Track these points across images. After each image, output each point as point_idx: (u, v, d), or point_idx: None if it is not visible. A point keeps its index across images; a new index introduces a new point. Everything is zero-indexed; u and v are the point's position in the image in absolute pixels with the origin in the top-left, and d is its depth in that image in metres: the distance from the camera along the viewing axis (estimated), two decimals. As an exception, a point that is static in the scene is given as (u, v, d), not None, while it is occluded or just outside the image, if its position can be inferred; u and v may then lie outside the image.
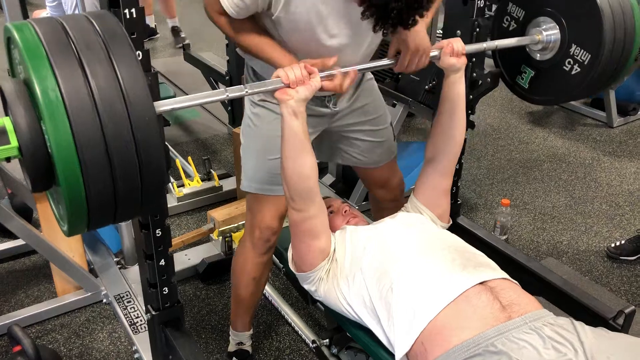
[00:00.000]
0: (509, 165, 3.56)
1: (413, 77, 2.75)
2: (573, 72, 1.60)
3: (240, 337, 2.02)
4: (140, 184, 0.99)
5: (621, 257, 2.67)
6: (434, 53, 1.55)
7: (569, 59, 1.61)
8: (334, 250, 1.54)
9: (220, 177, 3.06)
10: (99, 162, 0.93)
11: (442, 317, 1.30)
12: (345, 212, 1.74)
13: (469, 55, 1.81)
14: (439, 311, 1.30)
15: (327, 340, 1.76)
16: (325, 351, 1.80)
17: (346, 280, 1.48)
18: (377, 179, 1.97)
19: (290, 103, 1.34)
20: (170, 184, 2.95)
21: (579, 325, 1.26)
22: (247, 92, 1.30)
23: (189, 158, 3.16)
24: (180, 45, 5.44)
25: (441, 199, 1.69)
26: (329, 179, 3.14)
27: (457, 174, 2.07)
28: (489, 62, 1.95)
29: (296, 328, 2.16)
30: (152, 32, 5.57)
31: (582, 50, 1.58)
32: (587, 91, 1.74)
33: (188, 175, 3.06)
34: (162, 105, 1.14)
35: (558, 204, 3.16)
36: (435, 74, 2.61)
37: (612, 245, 2.70)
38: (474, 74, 1.86)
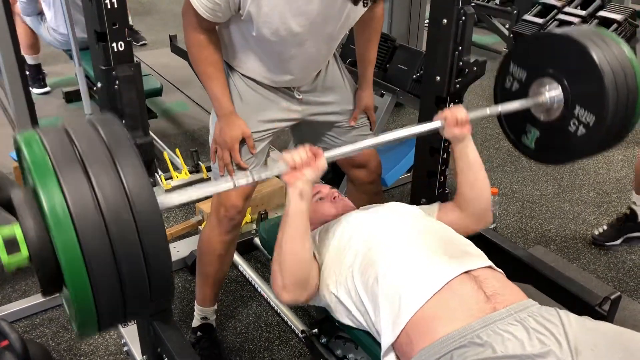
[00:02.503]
0: (497, 154, 3.57)
1: (401, 66, 2.74)
2: (579, 134, 1.59)
3: (205, 312, 2.06)
4: (148, 287, 1.00)
5: (607, 244, 2.69)
6: (437, 124, 1.56)
7: (574, 120, 1.58)
8: (321, 263, 1.52)
9: (209, 169, 3.04)
10: (107, 270, 0.94)
11: (428, 308, 1.30)
12: (334, 198, 1.75)
13: (455, 42, 1.81)
14: (425, 302, 1.30)
15: (316, 330, 1.75)
16: (315, 341, 1.80)
17: (332, 274, 1.48)
18: (355, 160, 2.01)
19: (298, 184, 1.34)
20: (158, 176, 2.93)
21: (564, 315, 1.27)
22: (253, 177, 1.28)
23: (177, 150, 3.15)
24: (141, 43, 5.41)
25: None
26: (318, 169, 3.13)
27: (445, 162, 2.07)
28: (475, 50, 1.95)
29: (285, 319, 2.16)
30: (140, 38, 5.50)
31: (586, 112, 1.56)
32: (596, 151, 1.71)
33: (176, 168, 3.05)
34: (168, 203, 1.14)
35: (546, 192, 3.18)
36: (422, 63, 2.60)
37: (596, 232, 2.73)
38: (461, 63, 1.86)
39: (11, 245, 0.94)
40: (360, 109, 1.95)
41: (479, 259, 1.43)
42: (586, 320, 1.28)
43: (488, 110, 1.64)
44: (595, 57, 1.50)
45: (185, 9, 1.57)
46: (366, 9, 1.64)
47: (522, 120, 1.73)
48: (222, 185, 1.25)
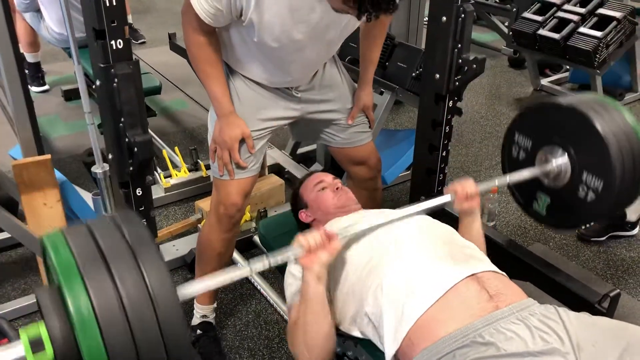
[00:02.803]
0: (496, 151, 3.56)
1: (400, 64, 2.73)
2: (589, 199, 1.58)
3: (204, 310, 2.06)
4: None
5: (592, 239, 2.71)
6: (446, 199, 1.56)
7: (583, 186, 1.58)
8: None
9: (208, 168, 3.04)
10: None
11: (430, 312, 1.30)
12: (337, 189, 1.74)
13: (454, 40, 1.81)
14: (428, 307, 1.30)
15: (316, 328, 1.75)
16: (314, 339, 1.80)
17: (336, 282, 1.47)
18: (355, 157, 2.01)
19: (314, 268, 1.34)
20: (157, 174, 2.93)
21: (563, 312, 1.27)
22: (269, 262, 1.28)
23: (176, 148, 3.15)
24: (140, 41, 5.40)
25: None
26: (317, 167, 3.13)
27: (444, 160, 2.07)
28: (475, 48, 1.95)
29: (285, 316, 2.16)
30: (139, 37, 5.48)
31: (594, 177, 1.55)
32: (606, 215, 1.74)
33: (175, 166, 3.05)
34: (187, 294, 1.16)
35: (545, 190, 3.17)
36: (421, 61, 2.60)
37: (582, 227, 2.74)
38: (460, 60, 1.86)
39: (36, 344, 0.96)
40: (358, 107, 1.95)
41: (483, 263, 1.43)
42: (585, 317, 1.28)
43: (497, 182, 1.65)
44: (598, 125, 1.51)
45: (185, 9, 1.57)
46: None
47: (532, 187, 1.72)
48: (239, 273, 1.24)
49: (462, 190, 1.55)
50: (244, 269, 1.23)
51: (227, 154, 1.73)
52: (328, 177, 1.80)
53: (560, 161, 1.62)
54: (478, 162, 3.43)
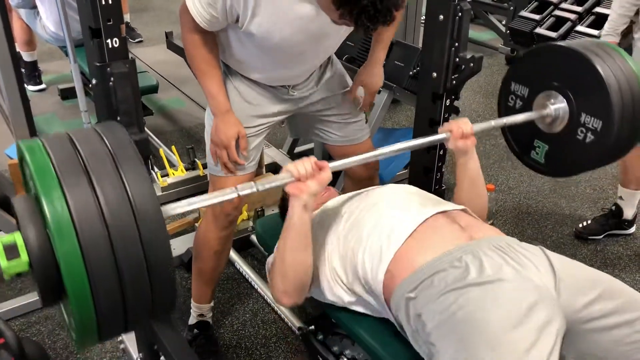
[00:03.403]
0: (494, 150, 3.57)
1: (397, 63, 2.73)
2: (587, 141, 1.58)
3: (201, 309, 2.06)
4: (150, 298, 1.00)
5: (589, 237, 2.72)
6: (442, 136, 1.58)
7: (582, 128, 1.58)
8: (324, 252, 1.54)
9: (205, 166, 3.03)
10: (108, 277, 0.93)
11: (406, 245, 1.37)
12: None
13: (451, 39, 1.81)
14: (403, 241, 1.37)
15: (313, 326, 1.75)
16: (312, 338, 1.80)
17: (320, 253, 1.51)
18: (352, 155, 1.98)
19: (302, 197, 1.35)
20: (154, 173, 2.93)
21: (549, 251, 1.35)
22: (257, 189, 1.27)
23: (173, 147, 3.14)
24: (137, 40, 5.39)
25: None
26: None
27: (442, 159, 2.07)
28: (472, 47, 1.95)
29: (282, 316, 2.16)
30: (136, 35, 5.47)
31: (593, 118, 1.55)
32: (605, 159, 1.70)
33: (172, 165, 3.04)
34: (169, 211, 1.13)
35: (543, 189, 3.18)
36: (418, 59, 2.60)
37: (580, 225, 2.75)
38: (457, 59, 1.85)
39: (11, 250, 0.94)
40: (357, 83, 1.91)
41: (455, 206, 1.52)
42: (570, 259, 1.37)
43: (493, 123, 1.66)
44: (598, 66, 1.50)
45: (182, 10, 1.56)
46: None
47: (530, 135, 1.73)
48: (227, 195, 1.24)
49: (457, 129, 1.57)
50: (232, 192, 1.24)
51: (224, 153, 1.73)
52: None
53: (558, 105, 1.62)
54: (475, 160, 3.43)
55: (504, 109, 1.76)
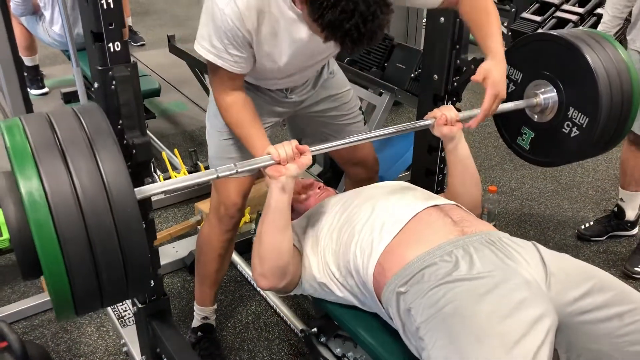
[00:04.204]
0: (496, 152, 3.57)
1: (399, 65, 2.73)
2: (572, 135, 1.59)
3: (205, 312, 2.06)
4: (124, 273, 1.03)
5: (592, 239, 2.72)
6: (426, 122, 1.59)
7: (568, 122, 1.60)
8: (303, 248, 1.56)
9: (207, 169, 3.04)
10: (82, 256, 0.97)
11: (397, 238, 1.37)
12: (319, 188, 1.82)
13: (452, 41, 1.81)
14: (394, 235, 1.37)
15: (316, 329, 1.75)
16: (314, 340, 1.80)
17: (313, 247, 1.53)
18: (352, 157, 2.01)
19: (281, 179, 1.36)
20: (156, 176, 2.93)
21: (541, 246, 1.35)
22: (237, 170, 1.30)
23: (176, 150, 3.15)
24: (139, 43, 5.40)
25: None
26: (317, 168, 3.13)
27: (444, 161, 2.07)
28: (473, 49, 1.95)
29: (285, 318, 2.16)
30: (138, 39, 5.49)
31: (580, 114, 1.56)
32: (587, 154, 1.74)
33: (174, 168, 3.05)
34: (145, 191, 1.15)
35: (545, 190, 3.17)
36: (420, 62, 2.60)
37: (582, 227, 2.75)
38: (458, 61, 1.86)
39: None
40: (480, 74, 1.57)
41: (447, 200, 1.52)
42: (562, 254, 1.36)
43: (478, 110, 1.65)
44: (589, 59, 1.50)
45: (210, 73, 1.56)
46: None
47: (518, 121, 1.74)
48: (204, 177, 1.27)
49: (441, 115, 1.58)
50: (212, 174, 1.27)
51: (289, 147, 1.43)
52: (309, 182, 1.86)
53: (548, 94, 1.63)
54: (478, 162, 3.41)
55: None
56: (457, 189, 1.65)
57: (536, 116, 1.69)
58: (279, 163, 1.36)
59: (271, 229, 1.41)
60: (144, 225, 1.35)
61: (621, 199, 2.66)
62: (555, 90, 1.61)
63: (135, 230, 1.00)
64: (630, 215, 2.68)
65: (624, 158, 2.56)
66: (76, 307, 1.02)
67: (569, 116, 1.59)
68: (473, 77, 1.57)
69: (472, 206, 1.63)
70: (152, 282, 1.63)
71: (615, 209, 2.71)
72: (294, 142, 1.38)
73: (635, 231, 2.74)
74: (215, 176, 1.27)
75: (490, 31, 1.58)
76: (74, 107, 1.09)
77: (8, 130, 1.00)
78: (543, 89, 1.64)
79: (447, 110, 1.59)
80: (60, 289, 0.97)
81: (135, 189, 1.04)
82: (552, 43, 1.63)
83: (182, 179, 1.23)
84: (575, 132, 1.58)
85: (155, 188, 1.17)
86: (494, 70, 1.54)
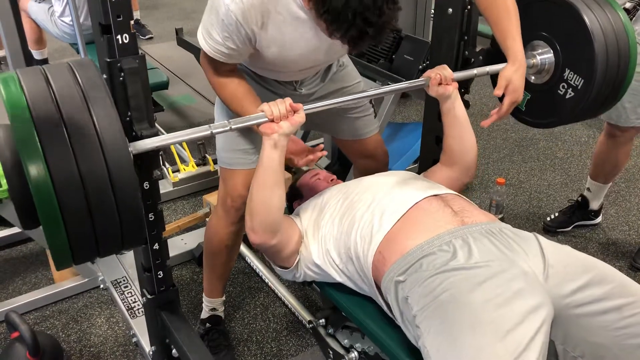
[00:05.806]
0: (505, 144, 3.55)
1: (407, 57, 2.73)
2: (567, 97, 1.58)
3: (213, 304, 2.07)
4: (119, 222, 1.06)
5: (558, 230, 2.72)
6: (420, 81, 1.60)
7: (563, 83, 1.59)
8: (305, 232, 1.58)
9: (215, 162, 3.05)
10: (77, 204, 1.00)
11: (397, 226, 1.38)
12: (331, 180, 1.83)
13: (461, 32, 1.80)
14: (394, 223, 1.38)
15: (323, 320, 1.76)
16: (322, 331, 1.81)
17: (315, 234, 1.55)
18: (362, 150, 2.01)
19: (273, 136, 1.38)
20: (165, 169, 2.95)
21: (541, 237, 1.35)
22: (231, 127, 1.32)
23: (184, 143, 3.16)
24: (148, 36, 5.41)
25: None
26: (324, 161, 3.13)
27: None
28: (481, 40, 1.94)
29: (292, 309, 2.17)
30: (146, 32, 5.49)
31: (576, 75, 1.56)
32: (582, 115, 1.73)
33: (183, 161, 3.06)
34: (140, 146, 1.18)
35: (553, 182, 3.16)
36: (428, 53, 2.59)
37: (548, 219, 2.75)
38: (467, 52, 1.85)
39: None
40: (501, 87, 1.57)
41: (448, 189, 1.52)
42: (562, 245, 1.37)
43: (475, 71, 1.65)
44: (586, 19, 1.49)
45: (201, 57, 1.56)
46: None
47: None
48: (198, 133, 1.31)
49: (435, 75, 1.58)
50: (205, 130, 1.31)
51: (283, 105, 1.45)
52: (323, 173, 1.89)
53: (545, 55, 1.62)
54: (486, 154, 3.42)
55: (493, 54, 1.76)
56: (454, 148, 1.65)
57: (533, 77, 1.69)
58: (272, 121, 1.38)
59: (262, 185, 1.43)
60: (144, 189, 1.43)
61: (588, 189, 2.66)
62: (552, 51, 1.60)
63: (128, 178, 1.03)
64: (594, 205, 2.69)
65: (597, 150, 2.55)
66: (73, 255, 1.05)
67: (565, 77, 1.59)
68: (495, 92, 1.58)
69: (468, 166, 1.65)
70: (160, 273, 1.64)
71: (580, 199, 2.71)
72: (288, 100, 1.40)
73: (598, 220, 2.75)
74: (209, 132, 1.30)
75: (510, 30, 1.57)
76: (69, 62, 1.12)
77: (4, 82, 1.02)
78: (540, 50, 1.63)
79: (442, 70, 1.59)
80: (56, 237, 1.00)
81: (130, 143, 1.09)
82: (550, 3, 1.62)
83: (176, 134, 1.30)
84: (570, 94, 1.58)
85: (150, 143, 1.21)
86: (514, 77, 1.53)
